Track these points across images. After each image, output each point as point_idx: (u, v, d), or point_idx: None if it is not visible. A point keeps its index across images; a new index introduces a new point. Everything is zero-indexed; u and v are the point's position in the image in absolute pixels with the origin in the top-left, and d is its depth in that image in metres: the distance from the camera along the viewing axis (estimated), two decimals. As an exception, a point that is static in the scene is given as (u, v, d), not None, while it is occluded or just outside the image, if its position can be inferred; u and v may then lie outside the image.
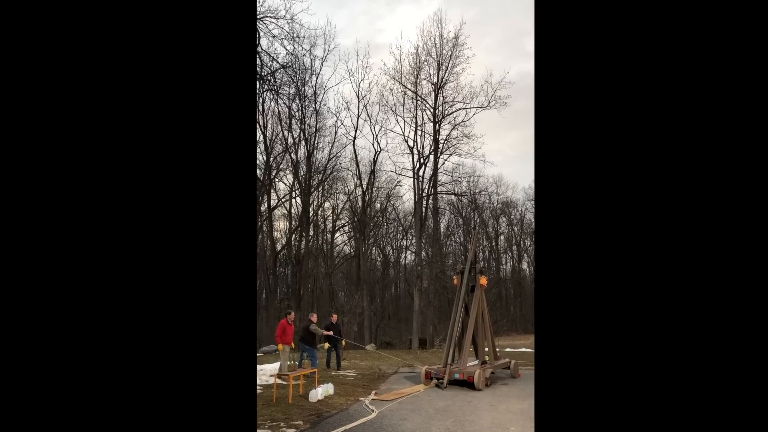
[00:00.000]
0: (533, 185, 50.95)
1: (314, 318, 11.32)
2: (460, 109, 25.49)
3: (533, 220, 49.59)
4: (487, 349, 10.64)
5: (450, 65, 25.39)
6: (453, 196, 31.08)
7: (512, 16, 66.95)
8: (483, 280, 10.63)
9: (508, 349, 19.03)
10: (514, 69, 66.08)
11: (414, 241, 31.94)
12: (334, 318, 12.44)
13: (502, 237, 48.75)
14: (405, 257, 41.14)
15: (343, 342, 12.77)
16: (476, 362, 10.20)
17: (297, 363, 10.91)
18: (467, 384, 8.94)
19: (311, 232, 28.52)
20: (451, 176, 27.43)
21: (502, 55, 61.47)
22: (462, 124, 25.48)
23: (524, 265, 51.62)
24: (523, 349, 19.40)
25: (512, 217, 49.51)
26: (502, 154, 59.55)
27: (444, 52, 25.41)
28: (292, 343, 10.57)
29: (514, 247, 50.83)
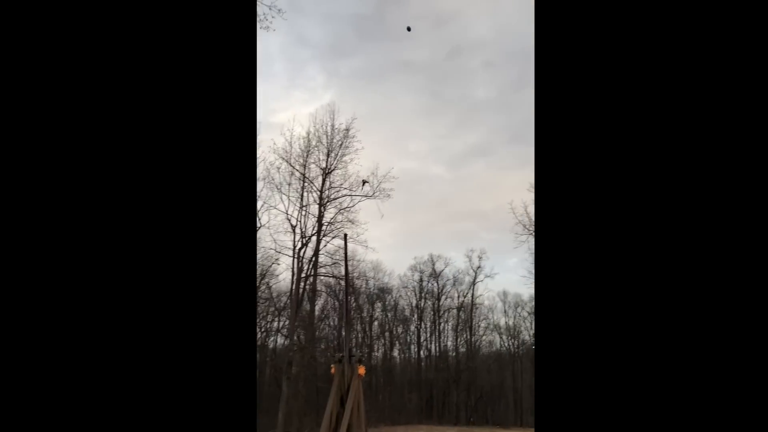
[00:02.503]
0: (411, 271, 53.07)
1: None
2: (346, 195, 26.40)
3: (408, 306, 51.16)
4: (360, 444, 10.13)
5: (339, 154, 26.59)
6: (331, 279, 30.95)
7: (398, 119, 73.68)
8: (361, 370, 10.36)
9: (377, 443, 18.32)
10: (397, 166, 71.48)
11: (287, 322, 30.58)
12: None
13: (375, 323, 49.09)
14: (276, 340, 38.90)
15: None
16: (349, 460, 9.59)
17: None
18: (339, 486, 8.28)
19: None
20: (332, 258, 27.55)
21: (387, 151, 66.38)
22: (347, 209, 26.26)
23: (395, 353, 52.03)
24: (393, 443, 18.84)
25: (387, 303, 50.50)
26: (381, 242, 62.00)
27: (334, 141, 26.66)
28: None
29: (387, 334, 51.29)
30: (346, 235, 10.15)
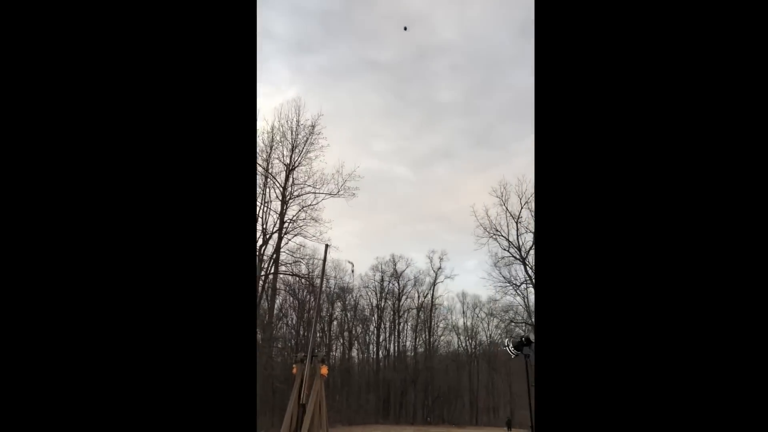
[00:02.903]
0: (372, 270, 52.93)
1: None
2: (310, 192, 26.01)
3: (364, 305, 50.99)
4: (321, 445, 9.94)
5: (304, 150, 26.16)
6: (290, 277, 30.47)
7: (363, 118, 73.59)
8: (324, 370, 10.20)
9: (335, 444, 18.14)
10: (360, 165, 71.38)
11: (245, 322, 29.80)
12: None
13: (335, 323, 48.73)
14: (231, 339, 37.82)
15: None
16: (309, 462, 9.38)
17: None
18: (299, 489, 8.07)
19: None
20: (293, 256, 27.09)
21: (351, 150, 66.13)
22: (310, 206, 25.87)
23: (354, 352, 51.84)
24: (351, 444, 18.72)
25: (347, 302, 50.22)
26: (342, 241, 61.73)
27: (299, 137, 26.21)
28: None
29: (346, 333, 51.03)
30: (327, 245, 10.00)
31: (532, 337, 6.43)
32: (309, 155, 26.17)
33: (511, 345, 6.50)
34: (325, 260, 8.81)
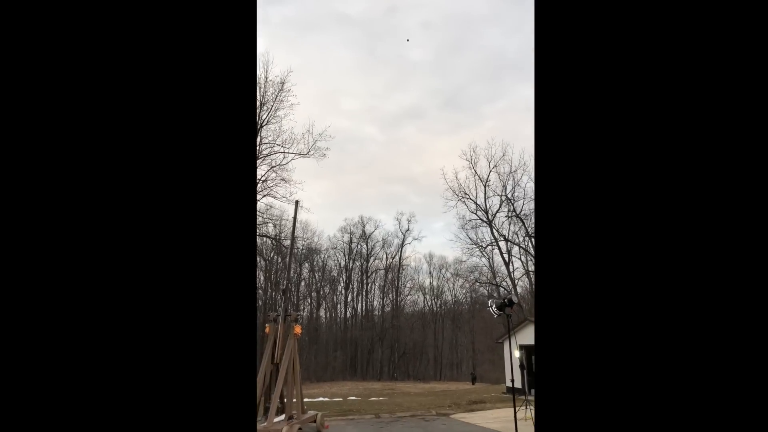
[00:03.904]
0: (341, 232, 52.88)
1: None
2: (279, 152, 25.41)
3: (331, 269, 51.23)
4: (294, 400, 10.17)
5: (273, 108, 25.33)
6: (258, 238, 30.15)
7: (332, 74, 71.48)
8: (297, 329, 10.31)
9: (306, 400, 18.60)
10: (330, 123, 69.97)
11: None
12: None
13: (303, 283, 49.01)
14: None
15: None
16: (283, 417, 9.61)
17: None
18: (274, 443, 8.28)
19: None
20: (262, 217, 26.72)
21: (319, 107, 64.50)
22: (280, 166, 25.35)
23: (321, 312, 52.55)
24: (321, 399, 19.26)
25: (315, 263, 50.42)
26: (310, 201, 61.16)
27: (268, 93, 25.31)
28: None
29: (314, 294, 51.52)
30: (297, 201, 9.85)
31: (514, 299, 6.73)
32: (278, 113, 25.42)
33: (494, 306, 6.79)
34: (295, 218, 8.70)
